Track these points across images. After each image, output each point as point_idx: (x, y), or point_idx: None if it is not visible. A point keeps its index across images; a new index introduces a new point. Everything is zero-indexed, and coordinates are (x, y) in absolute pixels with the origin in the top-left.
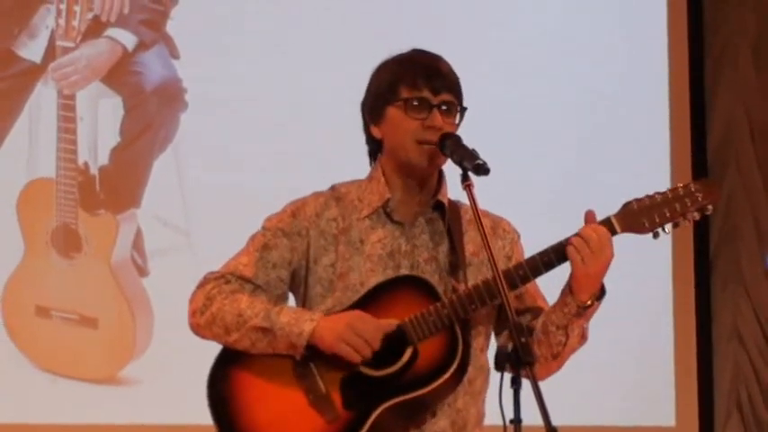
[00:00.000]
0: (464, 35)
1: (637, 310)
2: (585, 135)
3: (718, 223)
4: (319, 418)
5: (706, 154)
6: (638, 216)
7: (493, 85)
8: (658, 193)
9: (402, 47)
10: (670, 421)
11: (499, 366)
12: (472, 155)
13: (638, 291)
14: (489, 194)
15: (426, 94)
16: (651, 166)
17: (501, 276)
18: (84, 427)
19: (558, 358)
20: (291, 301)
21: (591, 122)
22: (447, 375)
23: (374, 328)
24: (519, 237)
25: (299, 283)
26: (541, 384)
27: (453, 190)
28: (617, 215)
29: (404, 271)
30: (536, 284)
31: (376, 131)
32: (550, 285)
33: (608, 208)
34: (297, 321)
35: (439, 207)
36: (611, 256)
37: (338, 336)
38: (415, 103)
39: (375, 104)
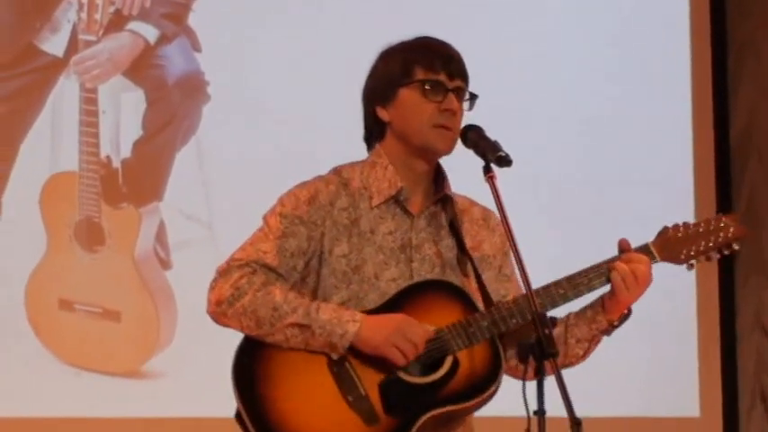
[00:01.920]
0: (474, 30)
1: (660, 302)
2: (606, 126)
3: (741, 215)
4: (359, 420)
5: (729, 145)
6: (676, 247)
7: (511, 73)
8: (693, 225)
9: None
10: (694, 412)
11: (522, 358)
12: (495, 146)
13: (662, 283)
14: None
15: (443, 77)
16: (674, 158)
17: (528, 278)
18: (108, 420)
19: (565, 368)
20: None
21: (612, 114)
22: (492, 390)
23: (423, 333)
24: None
25: (309, 273)
26: (565, 376)
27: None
28: (655, 243)
29: (415, 264)
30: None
31: (383, 113)
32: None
33: (632, 200)
34: (339, 321)
35: (442, 200)
36: (650, 284)
37: (386, 338)
38: (431, 86)
39: (385, 86)
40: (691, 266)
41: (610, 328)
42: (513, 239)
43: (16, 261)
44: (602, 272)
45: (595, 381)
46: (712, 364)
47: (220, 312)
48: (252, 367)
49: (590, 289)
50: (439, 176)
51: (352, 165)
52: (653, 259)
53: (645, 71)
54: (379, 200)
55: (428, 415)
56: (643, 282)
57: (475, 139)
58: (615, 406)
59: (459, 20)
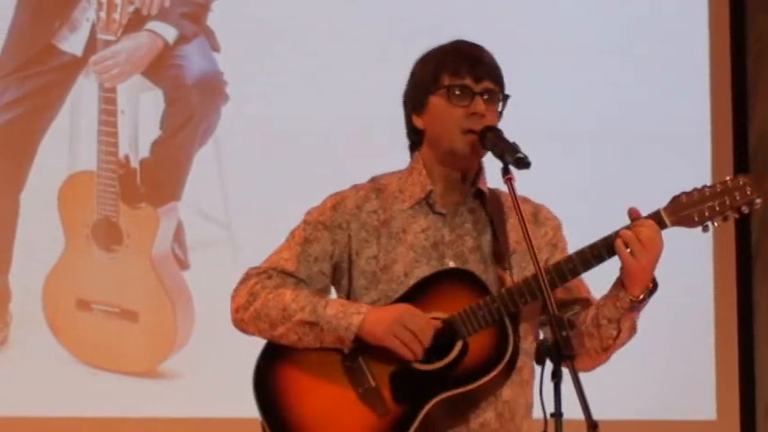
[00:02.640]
0: (498, 26)
1: (677, 304)
2: (624, 127)
3: (760, 216)
4: (369, 412)
5: (747, 146)
6: (688, 209)
7: (530, 75)
8: (707, 187)
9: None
10: (711, 415)
11: (540, 359)
12: (513, 148)
13: (679, 284)
14: (527, 186)
15: (468, 81)
16: (692, 160)
17: (542, 271)
18: (125, 420)
19: (607, 351)
20: (333, 295)
21: (630, 114)
22: (498, 370)
23: (424, 322)
24: (560, 223)
25: (340, 276)
26: (582, 378)
27: (493, 178)
28: (666, 209)
29: (448, 261)
30: (582, 276)
31: (418, 121)
32: (600, 278)
33: (649, 200)
34: (344, 314)
35: (479, 195)
36: (662, 248)
37: (387, 329)
38: (458, 91)
39: (417, 94)
40: (705, 228)
41: (634, 304)
42: (527, 234)
43: (34, 260)
44: (609, 242)
45: (612, 383)
46: (730, 367)
47: (239, 319)
48: (272, 373)
49: (598, 259)
50: (478, 173)
51: (393, 173)
52: (662, 224)
53: (662, 73)
54: (410, 203)
55: (435, 400)
56: (649, 245)
57: (493, 140)
58: (632, 409)
59: (474, 22)
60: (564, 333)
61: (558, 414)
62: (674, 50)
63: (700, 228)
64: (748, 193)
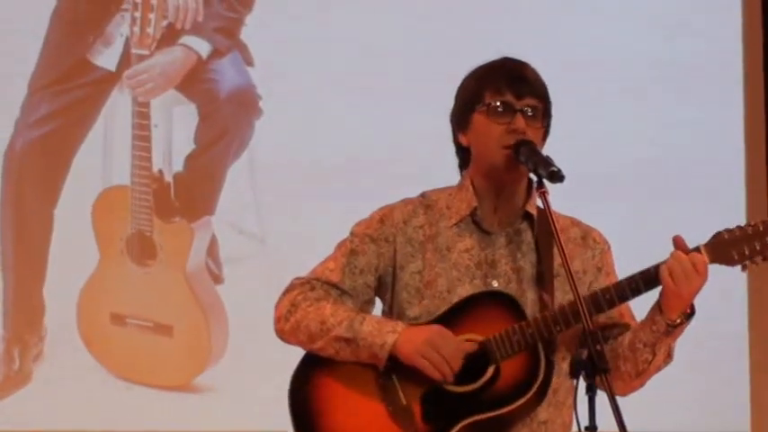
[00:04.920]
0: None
1: (711, 316)
2: (656, 127)
3: None
4: (398, 430)
5: None
6: (728, 248)
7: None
8: (749, 225)
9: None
10: (745, 427)
11: (574, 373)
12: (546, 161)
13: (713, 292)
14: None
15: (509, 98)
16: (725, 163)
17: (579, 293)
18: None
19: (641, 376)
20: (378, 306)
21: (663, 114)
22: (529, 396)
23: (455, 346)
24: (609, 247)
25: (385, 290)
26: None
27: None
28: (707, 245)
29: (491, 281)
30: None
31: (463, 139)
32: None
33: (680, 201)
34: (379, 332)
35: (528, 217)
36: (704, 282)
37: (416, 350)
38: (499, 108)
39: (462, 112)
40: (744, 267)
41: (670, 329)
42: (563, 252)
43: (68, 275)
44: (647, 275)
45: (646, 396)
46: (764, 379)
47: (280, 329)
48: (307, 384)
49: (635, 292)
50: (528, 193)
51: (443, 188)
52: None
53: (695, 70)
54: (455, 219)
55: (463, 423)
56: (691, 275)
57: (527, 154)
58: (666, 420)
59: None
60: (598, 347)
61: (592, 428)
62: (708, 39)
63: (740, 267)
64: None
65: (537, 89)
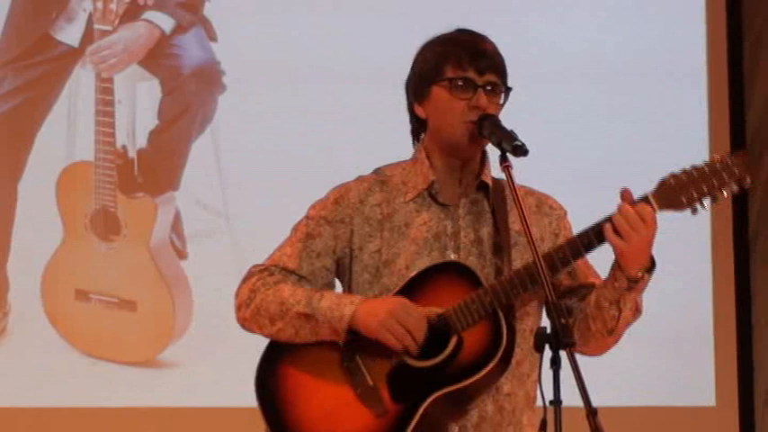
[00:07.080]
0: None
1: (675, 291)
2: (621, 112)
3: (758, 203)
4: (368, 412)
5: (745, 134)
6: (676, 192)
7: (524, 61)
8: (695, 168)
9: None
10: (710, 401)
11: (538, 347)
12: (510, 136)
13: (677, 271)
14: (525, 174)
15: (471, 74)
16: (689, 146)
17: (540, 259)
18: (123, 409)
19: (613, 333)
20: (339, 290)
21: (627, 100)
22: (493, 363)
23: (417, 318)
24: (566, 213)
25: (343, 272)
26: (580, 365)
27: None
28: (654, 193)
29: (450, 253)
30: (587, 261)
31: (420, 110)
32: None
33: (645, 186)
34: (338, 306)
35: (483, 187)
36: (654, 230)
37: (380, 323)
38: (461, 84)
39: (419, 83)
40: (694, 211)
41: (631, 284)
42: (524, 218)
43: (32, 251)
44: (597, 228)
45: (611, 370)
46: (728, 353)
47: (242, 317)
48: (273, 375)
49: (588, 247)
50: (482, 164)
51: (397, 163)
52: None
53: (659, 59)
54: (412, 194)
55: (431, 398)
56: (638, 227)
57: (490, 128)
58: (631, 395)
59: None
60: (562, 320)
61: (557, 401)
62: (671, 44)
63: (689, 210)
64: (737, 172)
65: (497, 65)
